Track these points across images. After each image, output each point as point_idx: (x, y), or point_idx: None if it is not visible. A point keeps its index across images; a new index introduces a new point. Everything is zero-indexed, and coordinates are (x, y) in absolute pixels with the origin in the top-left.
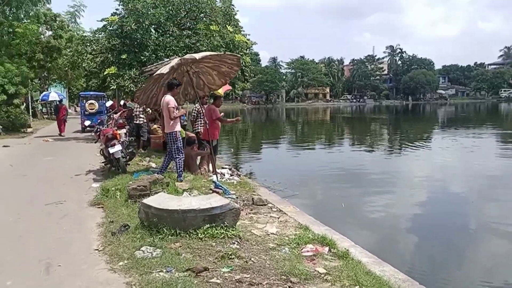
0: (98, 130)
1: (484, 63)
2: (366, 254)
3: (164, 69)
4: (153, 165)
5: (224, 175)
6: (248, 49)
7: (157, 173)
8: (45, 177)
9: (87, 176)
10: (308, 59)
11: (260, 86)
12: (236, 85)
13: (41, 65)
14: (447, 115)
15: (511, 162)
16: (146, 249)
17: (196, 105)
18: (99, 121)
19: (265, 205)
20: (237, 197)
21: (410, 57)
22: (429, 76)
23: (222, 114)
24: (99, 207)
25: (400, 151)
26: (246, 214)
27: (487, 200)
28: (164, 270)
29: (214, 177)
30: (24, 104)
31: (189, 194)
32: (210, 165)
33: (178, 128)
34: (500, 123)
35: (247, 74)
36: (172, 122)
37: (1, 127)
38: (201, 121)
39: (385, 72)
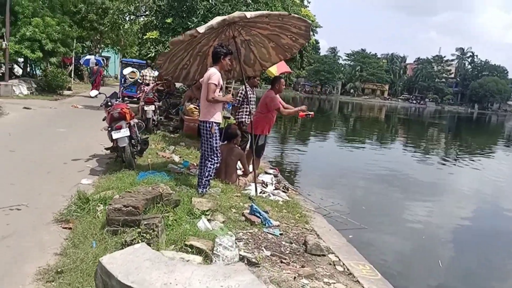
0: (110, 103)
1: None
2: None
3: (201, 28)
4: (176, 158)
5: (266, 185)
6: (312, 31)
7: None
8: (34, 157)
9: (85, 164)
10: (369, 52)
11: (316, 75)
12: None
13: (94, 26)
14: None
15: None
16: None
17: (243, 86)
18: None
19: (324, 255)
20: (281, 233)
21: (482, 62)
22: (501, 85)
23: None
24: (65, 228)
25: (454, 163)
26: (295, 274)
27: None
28: None
29: (252, 191)
30: (72, 65)
31: (208, 221)
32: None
33: (217, 118)
34: None
35: (305, 60)
36: (209, 106)
37: (35, 86)
38: (247, 108)
39: (452, 75)
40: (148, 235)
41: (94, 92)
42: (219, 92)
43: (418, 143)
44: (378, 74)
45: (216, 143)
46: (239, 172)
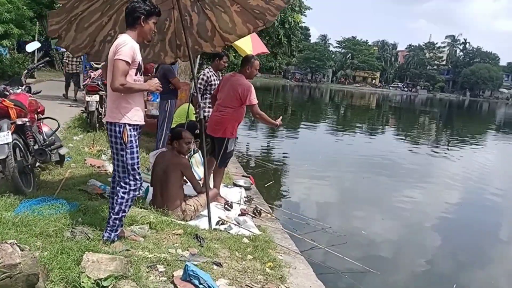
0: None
1: None
2: None
3: None
4: (110, 168)
5: (230, 207)
6: (300, 6)
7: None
8: None
9: None
10: (361, 39)
11: (306, 63)
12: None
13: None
14: (506, 117)
15: None
16: None
17: (206, 70)
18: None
19: None
20: None
21: (474, 49)
22: (493, 72)
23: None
24: None
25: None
26: None
27: None
28: None
29: (204, 222)
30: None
31: None
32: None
33: (134, 117)
34: None
35: (294, 45)
36: (119, 99)
37: None
38: (209, 99)
39: (444, 62)
40: None
41: None
42: (138, 75)
43: (410, 132)
44: (369, 61)
45: (132, 158)
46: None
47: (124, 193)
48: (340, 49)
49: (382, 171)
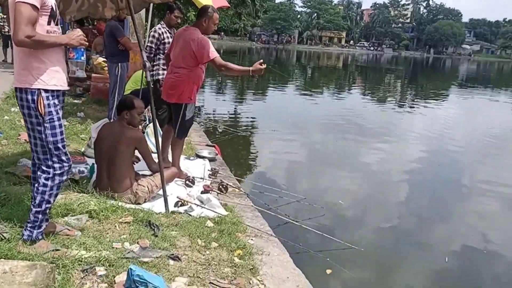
0: None
1: None
2: None
3: None
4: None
5: (192, 183)
6: None
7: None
8: None
9: None
10: None
11: (272, 24)
12: (244, 18)
13: None
14: (468, 72)
15: None
16: None
17: (158, 26)
18: None
19: None
20: None
21: (437, 6)
22: (456, 29)
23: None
24: None
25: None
26: None
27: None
28: None
29: (158, 204)
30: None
31: None
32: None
33: (51, 80)
34: None
35: (257, 4)
36: (29, 57)
37: None
38: (163, 60)
39: (408, 20)
40: None
41: None
42: (53, 25)
43: (377, 91)
44: (335, 21)
45: (54, 135)
46: (144, 171)
47: (46, 179)
48: (305, 9)
49: (353, 132)
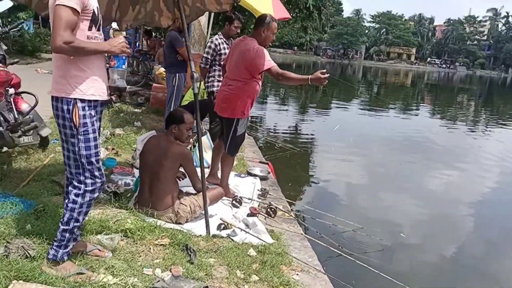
0: None
1: None
2: None
3: None
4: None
5: (239, 203)
6: None
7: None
8: None
9: None
10: (396, 14)
11: (338, 39)
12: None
13: None
14: None
15: None
16: None
17: (215, 36)
18: None
19: None
20: None
21: None
22: None
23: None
24: None
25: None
26: None
27: None
28: None
29: (199, 226)
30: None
31: None
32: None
33: (89, 90)
34: None
35: (324, 18)
36: (66, 64)
37: (5, 48)
38: (219, 72)
39: (485, 38)
40: None
41: None
42: (94, 30)
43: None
44: (405, 36)
45: (88, 148)
46: (187, 188)
47: (77, 195)
48: (374, 24)
49: (419, 155)
